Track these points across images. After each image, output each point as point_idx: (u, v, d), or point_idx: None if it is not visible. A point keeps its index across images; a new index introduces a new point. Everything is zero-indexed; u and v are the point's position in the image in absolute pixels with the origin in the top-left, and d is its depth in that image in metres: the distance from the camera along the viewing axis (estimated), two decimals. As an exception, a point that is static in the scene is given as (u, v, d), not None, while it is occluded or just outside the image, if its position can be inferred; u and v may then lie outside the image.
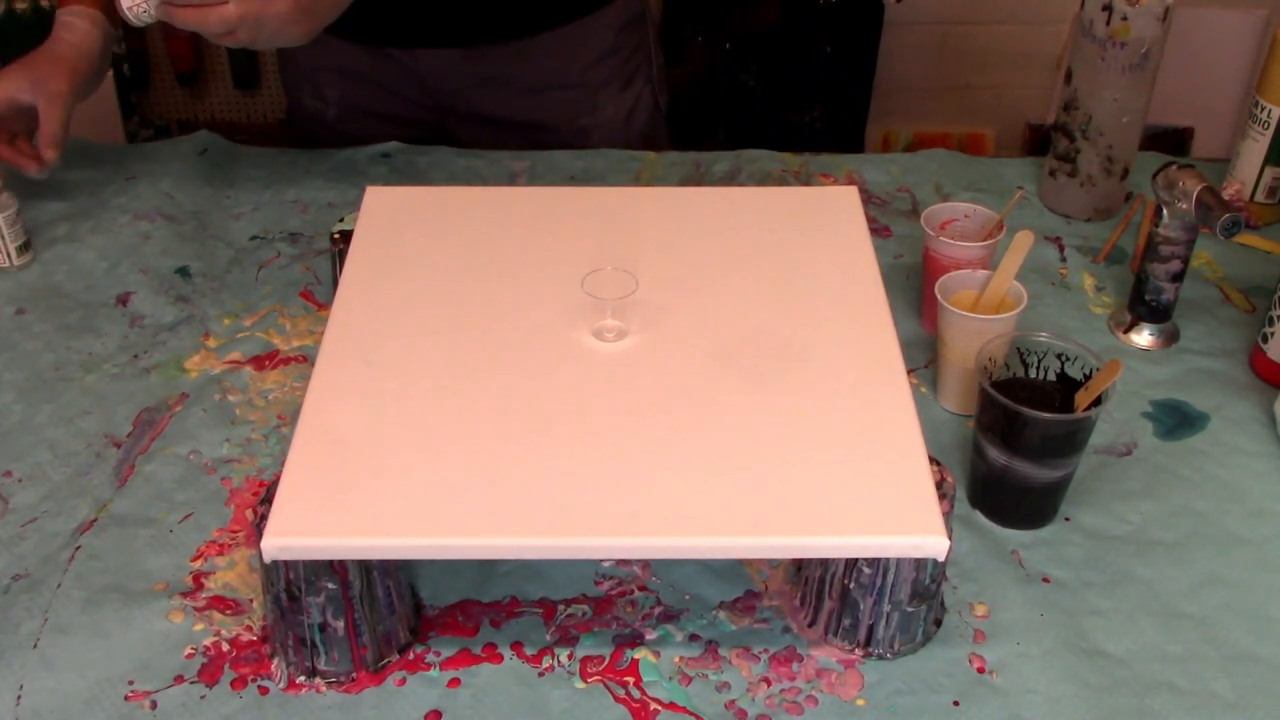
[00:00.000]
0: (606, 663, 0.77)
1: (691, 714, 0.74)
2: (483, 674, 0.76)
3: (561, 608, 0.80)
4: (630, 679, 0.76)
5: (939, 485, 0.73)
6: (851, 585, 0.75)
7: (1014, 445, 0.82)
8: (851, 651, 0.77)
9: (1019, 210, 1.20)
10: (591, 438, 0.75)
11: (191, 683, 0.75)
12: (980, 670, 0.77)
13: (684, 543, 0.70)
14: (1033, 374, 0.88)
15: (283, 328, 1.04)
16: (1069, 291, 1.10)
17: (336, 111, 1.33)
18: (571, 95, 1.32)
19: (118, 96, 2.23)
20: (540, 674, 0.76)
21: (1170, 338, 1.04)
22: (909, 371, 0.96)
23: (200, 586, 0.81)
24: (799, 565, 0.81)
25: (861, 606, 0.75)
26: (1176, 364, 1.02)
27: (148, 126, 2.49)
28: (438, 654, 0.77)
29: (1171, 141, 2.23)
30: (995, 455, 0.84)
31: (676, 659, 0.77)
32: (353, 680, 0.75)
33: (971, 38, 2.52)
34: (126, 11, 0.95)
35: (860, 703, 0.75)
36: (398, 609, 0.76)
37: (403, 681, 0.76)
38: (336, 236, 0.98)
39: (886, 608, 0.75)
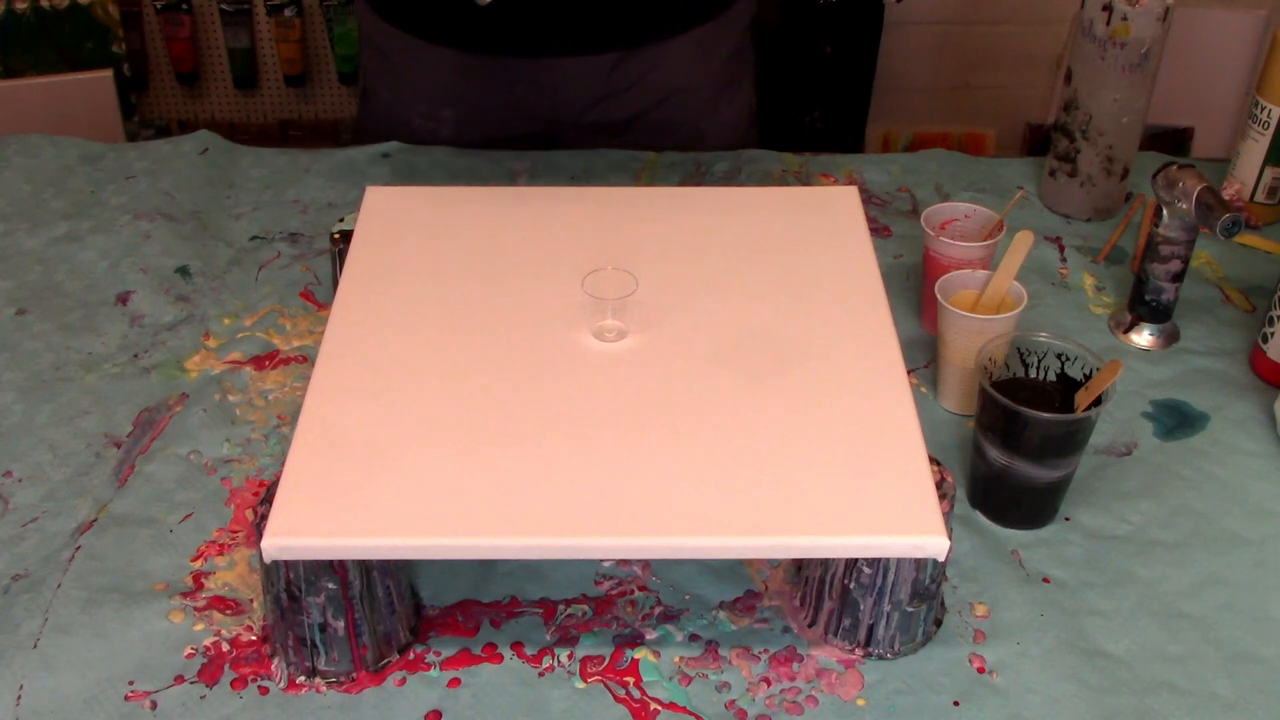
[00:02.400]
0: (606, 663, 0.77)
1: (691, 714, 0.74)
2: (483, 674, 0.76)
3: (561, 608, 0.80)
4: (630, 679, 0.76)
5: (939, 485, 0.73)
6: (851, 585, 0.75)
7: (1014, 445, 0.82)
8: (851, 651, 0.77)
9: (1019, 210, 1.20)
10: (591, 438, 0.75)
11: (191, 683, 0.75)
12: (980, 670, 0.77)
13: (684, 543, 0.70)
14: (1033, 374, 0.88)
15: (283, 328, 1.04)
16: (1069, 291, 1.10)
17: (451, 130, 1.29)
18: (695, 98, 1.30)
19: (118, 96, 2.23)
20: (540, 674, 0.76)
21: (1170, 338, 1.04)
22: (909, 371, 0.96)
23: (200, 586, 0.81)
24: (799, 565, 0.81)
25: (861, 606, 0.75)
26: (1176, 364, 1.02)
27: (148, 126, 2.49)
28: (438, 654, 0.77)
29: (1171, 141, 2.23)
30: (995, 455, 0.84)
31: (676, 659, 0.77)
32: (353, 680, 0.75)
33: (971, 38, 2.52)
34: None
35: (860, 703, 0.75)
36: (398, 609, 0.76)
37: (403, 681, 0.76)
38: (336, 236, 0.98)
39: (886, 608, 0.75)
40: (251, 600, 0.81)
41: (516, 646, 0.78)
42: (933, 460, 0.75)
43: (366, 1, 1.28)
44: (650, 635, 0.79)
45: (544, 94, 1.27)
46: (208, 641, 0.78)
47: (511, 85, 1.26)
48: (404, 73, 1.29)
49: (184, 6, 2.39)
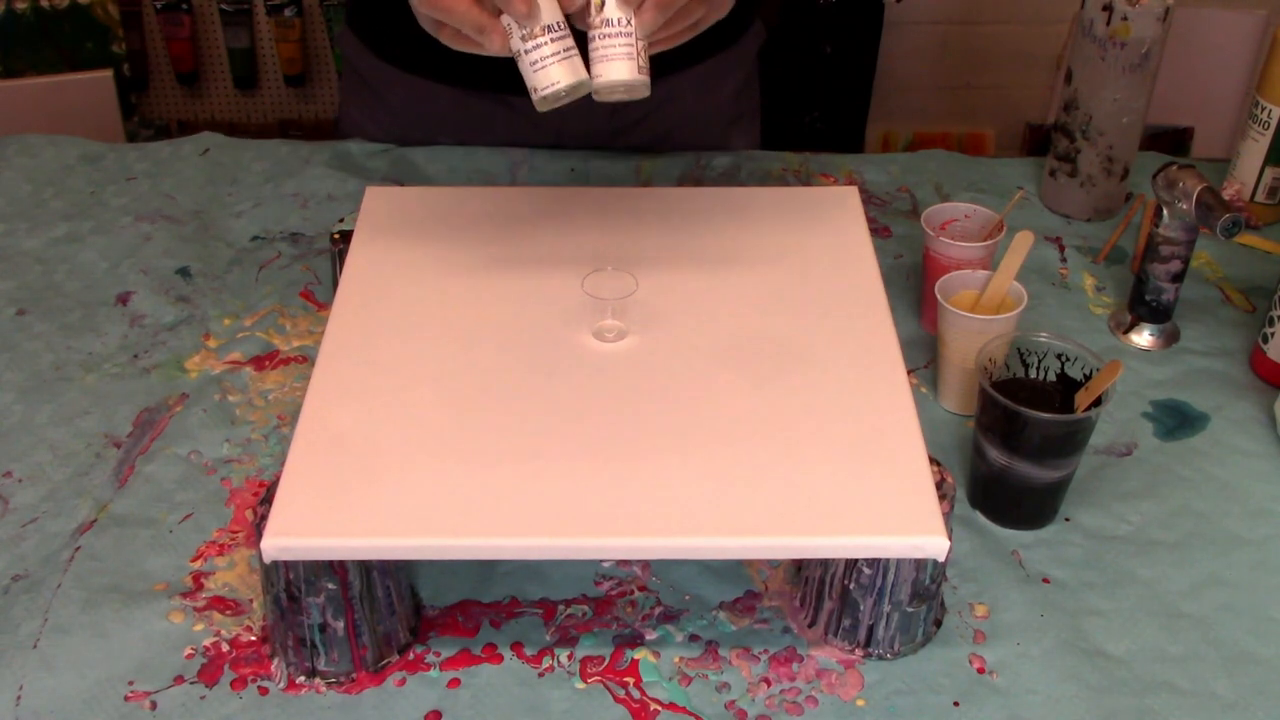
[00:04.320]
0: (606, 663, 0.77)
1: (691, 714, 0.74)
2: (483, 674, 0.76)
3: (561, 608, 0.80)
4: (630, 679, 0.76)
5: (939, 485, 0.73)
6: (851, 586, 0.75)
7: (1014, 445, 0.82)
8: (851, 652, 0.77)
9: (1019, 210, 1.20)
10: (591, 438, 0.75)
11: (191, 683, 0.75)
12: (980, 670, 0.77)
13: (684, 543, 0.70)
14: (1033, 374, 0.88)
15: (283, 328, 1.04)
16: (1069, 291, 1.10)
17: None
18: (703, 132, 1.26)
19: (118, 96, 2.23)
20: (540, 674, 0.76)
21: (1170, 338, 1.04)
22: (909, 371, 0.96)
23: (200, 587, 0.81)
24: (799, 565, 0.81)
25: (861, 607, 0.75)
26: (1176, 364, 1.02)
27: (148, 126, 2.49)
28: (438, 654, 0.77)
29: (1171, 141, 2.23)
30: (995, 455, 0.84)
31: (676, 659, 0.77)
32: (353, 680, 0.75)
33: (971, 38, 2.53)
34: (545, 93, 0.75)
35: (860, 703, 0.75)
36: (398, 609, 0.76)
37: (403, 682, 0.76)
38: (336, 237, 0.98)
39: (886, 608, 0.75)
40: (251, 600, 0.81)
41: (516, 647, 0.78)
42: (933, 460, 0.75)
43: (356, 35, 1.23)
44: (650, 635, 0.79)
45: (547, 132, 1.23)
46: (207, 642, 0.78)
47: (513, 123, 1.22)
48: (395, 111, 1.25)
49: (184, 6, 2.39)
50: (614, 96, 0.76)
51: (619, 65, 0.74)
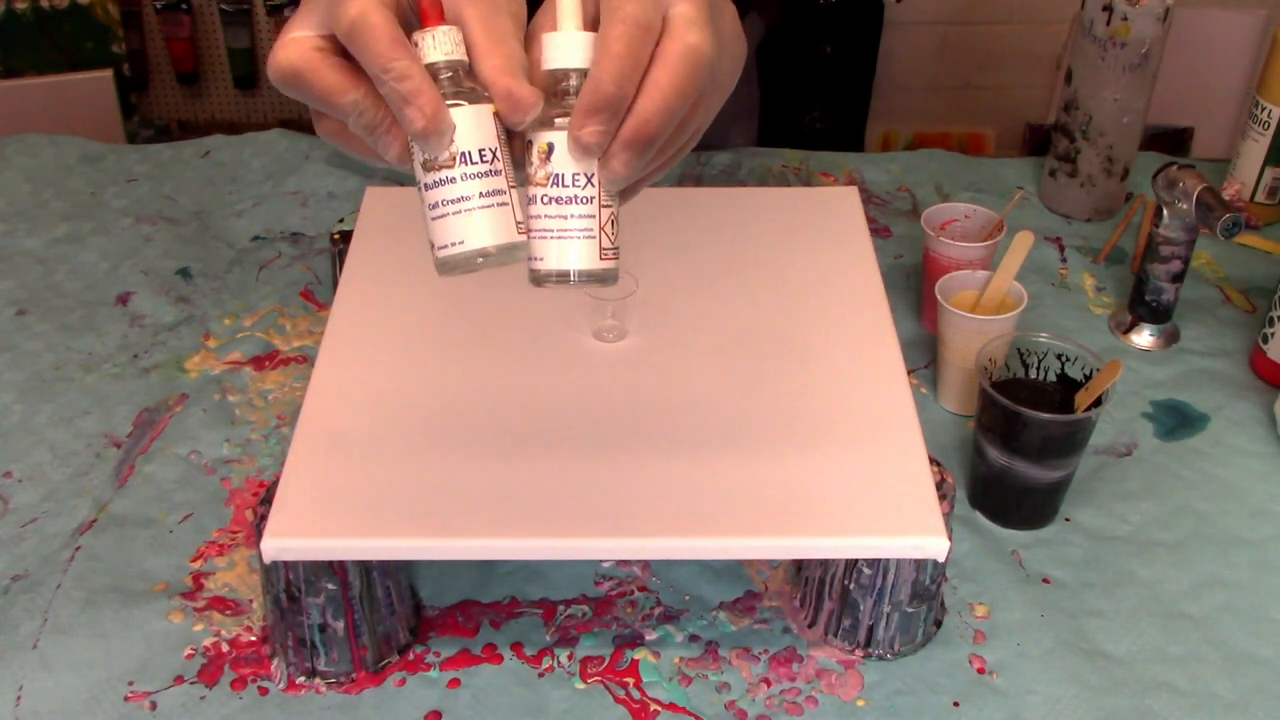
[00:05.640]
0: (606, 663, 0.77)
1: (691, 714, 0.74)
2: (483, 674, 0.76)
3: (561, 608, 0.80)
4: (630, 679, 0.76)
5: (939, 485, 0.73)
6: (851, 586, 0.75)
7: (1014, 446, 0.82)
8: (851, 652, 0.77)
9: (1019, 210, 1.20)
10: (591, 438, 0.75)
11: (191, 683, 0.75)
12: (980, 671, 0.77)
13: (684, 543, 0.69)
14: (1033, 374, 0.88)
15: (283, 328, 1.04)
16: (1069, 292, 1.10)
17: None
18: (708, 130, 1.25)
19: (118, 96, 2.23)
20: (540, 674, 0.76)
21: (1170, 338, 1.04)
22: (909, 371, 0.96)
23: (200, 587, 0.81)
24: (799, 566, 0.81)
25: (861, 607, 0.75)
26: (1177, 364, 1.02)
27: (148, 126, 2.49)
28: (438, 654, 0.77)
29: (1171, 141, 2.22)
30: (995, 455, 0.84)
31: (676, 659, 0.77)
32: (353, 681, 0.75)
33: (971, 38, 2.52)
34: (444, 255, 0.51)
35: (860, 703, 0.75)
36: (398, 609, 0.76)
37: (403, 682, 0.76)
38: (336, 237, 0.98)
39: (886, 608, 0.75)
40: (251, 601, 0.81)
41: (516, 647, 0.78)
42: (933, 460, 0.75)
43: None
44: (650, 636, 0.79)
45: None
46: (207, 642, 0.78)
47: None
48: None
49: (184, 6, 2.39)
50: (561, 286, 0.51)
51: (572, 248, 0.49)
